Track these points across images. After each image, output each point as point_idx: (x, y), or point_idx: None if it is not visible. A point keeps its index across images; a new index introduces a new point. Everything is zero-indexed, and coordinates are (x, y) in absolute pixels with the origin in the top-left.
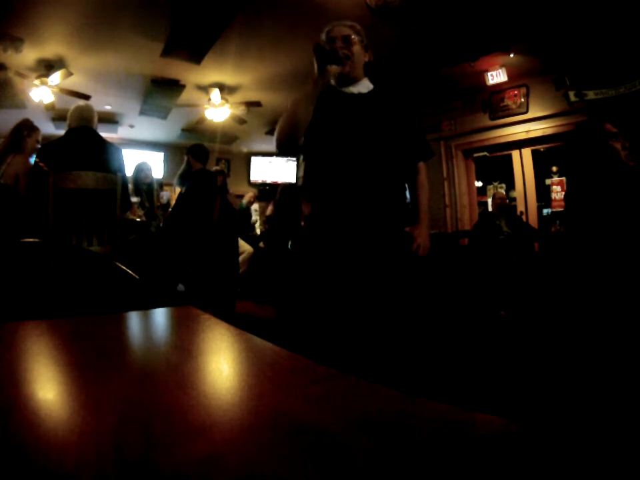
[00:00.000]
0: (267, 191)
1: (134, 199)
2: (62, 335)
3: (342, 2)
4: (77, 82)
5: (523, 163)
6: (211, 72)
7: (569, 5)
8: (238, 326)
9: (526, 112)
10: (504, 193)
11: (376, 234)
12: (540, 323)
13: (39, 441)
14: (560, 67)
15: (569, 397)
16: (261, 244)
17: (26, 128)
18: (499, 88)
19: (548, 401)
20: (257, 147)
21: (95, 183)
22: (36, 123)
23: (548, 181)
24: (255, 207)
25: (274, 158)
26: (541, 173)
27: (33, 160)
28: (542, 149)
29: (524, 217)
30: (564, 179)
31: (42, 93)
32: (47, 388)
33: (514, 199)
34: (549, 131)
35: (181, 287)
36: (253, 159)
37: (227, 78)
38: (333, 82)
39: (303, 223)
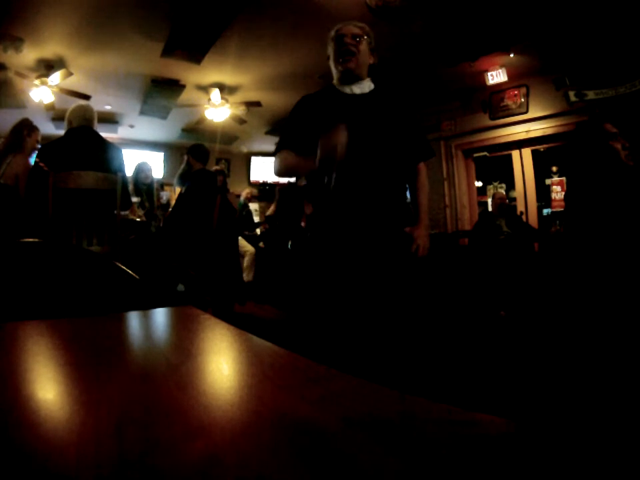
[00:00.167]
0: (266, 191)
1: (134, 199)
2: (62, 335)
3: (342, 2)
4: (76, 82)
5: (522, 163)
6: (211, 72)
7: (568, 4)
8: (238, 326)
9: (526, 112)
10: (504, 192)
11: (377, 234)
12: (540, 323)
13: (39, 441)
14: (560, 66)
15: (568, 397)
16: (261, 244)
17: (25, 127)
18: (498, 88)
19: (548, 401)
20: (256, 147)
21: (95, 182)
22: (36, 123)
23: (548, 181)
24: (255, 206)
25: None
26: (541, 173)
27: (32, 160)
28: (542, 149)
29: (524, 217)
30: (564, 179)
31: (42, 93)
32: (47, 388)
33: (514, 199)
34: (548, 131)
35: (180, 287)
36: (253, 158)
37: (227, 78)
38: (335, 80)
39: (303, 224)
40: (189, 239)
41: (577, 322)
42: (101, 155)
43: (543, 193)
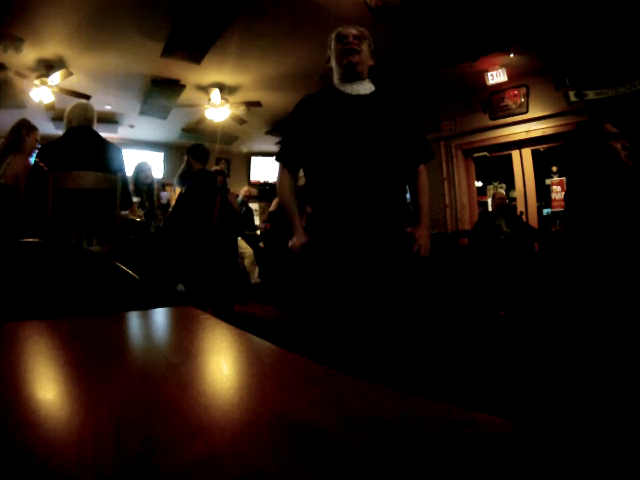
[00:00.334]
0: (266, 191)
1: (134, 199)
2: (62, 335)
3: (342, 2)
4: (76, 82)
5: (522, 163)
6: (211, 72)
7: (568, 4)
8: (238, 326)
9: (526, 112)
10: (504, 193)
11: (377, 235)
12: (540, 323)
13: (39, 441)
14: (560, 66)
15: (568, 397)
16: (261, 244)
17: (24, 127)
18: (498, 88)
19: (548, 401)
20: (256, 147)
21: (95, 182)
22: (36, 123)
23: (548, 181)
24: (255, 206)
25: (274, 158)
26: (541, 173)
27: (32, 160)
28: (542, 149)
29: (524, 217)
30: (564, 179)
31: (42, 93)
32: (47, 388)
33: (514, 199)
34: (548, 131)
35: (180, 287)
36: (253, 158)
37: (227, 78)
38: (337, 79)
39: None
40: (188, 239)
41: (577, 322)
42: (101, 155)
43: (543, 193)
